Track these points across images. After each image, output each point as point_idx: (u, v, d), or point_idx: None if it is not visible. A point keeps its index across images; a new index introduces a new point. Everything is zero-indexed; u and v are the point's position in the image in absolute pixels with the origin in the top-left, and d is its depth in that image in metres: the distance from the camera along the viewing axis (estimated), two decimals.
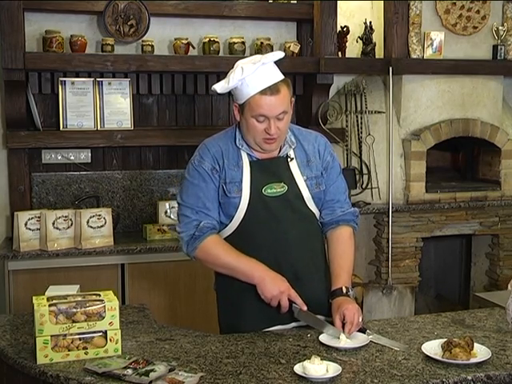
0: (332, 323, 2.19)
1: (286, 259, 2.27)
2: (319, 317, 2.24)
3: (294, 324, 2.29)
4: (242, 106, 2.22)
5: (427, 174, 4.46)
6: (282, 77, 2.23)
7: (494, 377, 1.86)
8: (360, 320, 2.17)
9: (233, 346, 2.09)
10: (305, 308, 2.20)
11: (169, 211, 3.92)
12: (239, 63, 2.23)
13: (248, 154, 2.29)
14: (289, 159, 2.32)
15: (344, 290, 2.27)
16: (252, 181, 2.27)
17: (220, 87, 2.24)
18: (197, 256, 2.28)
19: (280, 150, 2.32)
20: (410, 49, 4.37)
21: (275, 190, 2.28)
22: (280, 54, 2.25)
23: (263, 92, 2.17)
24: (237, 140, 2.29)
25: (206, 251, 2.25)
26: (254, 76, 2.17)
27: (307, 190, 2.31)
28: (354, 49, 4.50)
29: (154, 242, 3.80)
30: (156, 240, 3.84)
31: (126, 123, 4.06)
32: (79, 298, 2.00)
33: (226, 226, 2.30)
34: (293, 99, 2.29)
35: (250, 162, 2.29)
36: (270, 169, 2.30)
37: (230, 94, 2.30)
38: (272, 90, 2.17)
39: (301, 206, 2.31)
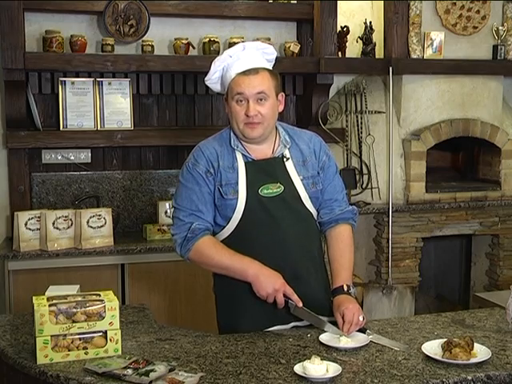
0: (334, 322, 2.19)
1: (284, 259, 2.26)
2: (320, 317, 2.24)
3: (293, 324, 2.28)
4: (227, 94, 2.27)
5: (427, 174, 4.46)
6: (269, 67, 2.28)
7: (494, 377, 1.86)
8: (361, 319, 2.16)
9: (233, 346, 2.09)
10: (300, 304, 2.19)
11: (169, 211, 3.92)
12: None
13: (243, 154, 2.29)
14: (284, 159, 2.32)
15: (345, 288, 2.27)
16: (248, 182, 2.26)
17: (208, 74, 2.31)
18: (190, 257, 2.28)
19: (275, 150, 2.32)
20: (410, 49, 4.37)
21: (271, 190, 2.27)
22: (269, 48, 2.31)
23: (243, 73, 2.23)
24: (232, 141, 2.29)
25: (200, 252, 2.25)
26: (238, 60, 2.24)
27: (304, 190, 2.31)
28: (354, 49, 4.50)
29: (153, 242, 3.79)
30: (156, 240, 3.83)
31: (126, 123, 4.05)
32: (79, 298, 2.00)
33: (224, 227, 2.29)
34: (282, 94, 2.32)
35: (246, 163, 2.28)
36: (265, 169, 2.29)
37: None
38: (251, 71, 2.23)
39: (298, 206, 2.31)
